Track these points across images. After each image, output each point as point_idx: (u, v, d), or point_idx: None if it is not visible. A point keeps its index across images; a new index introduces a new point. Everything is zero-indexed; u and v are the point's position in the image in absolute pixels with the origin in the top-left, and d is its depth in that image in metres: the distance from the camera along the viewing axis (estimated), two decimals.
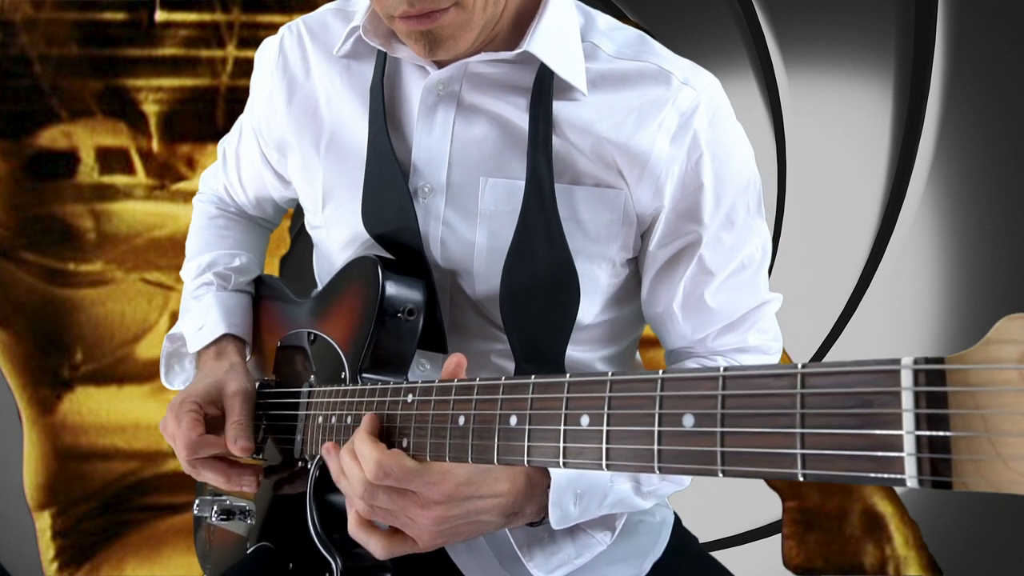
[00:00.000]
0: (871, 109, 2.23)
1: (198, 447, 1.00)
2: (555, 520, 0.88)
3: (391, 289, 0.95)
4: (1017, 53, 2.16)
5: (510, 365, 1.05)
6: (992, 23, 2.18)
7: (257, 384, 1.10)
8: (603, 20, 1.03)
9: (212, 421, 1.03)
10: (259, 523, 1.08)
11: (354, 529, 0.84)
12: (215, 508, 1.10)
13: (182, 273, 1.25)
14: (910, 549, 2.21)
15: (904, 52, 2.21)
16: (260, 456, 1.09)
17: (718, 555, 1.15)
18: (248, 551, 1.08)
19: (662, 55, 0.99)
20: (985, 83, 2.18)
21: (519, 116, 0.97)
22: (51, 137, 2.29)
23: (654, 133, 0.95)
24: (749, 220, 1.01)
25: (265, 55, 1.13)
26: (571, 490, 0.87)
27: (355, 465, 0.81)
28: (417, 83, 1.01)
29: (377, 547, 0.83)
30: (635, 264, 1.05)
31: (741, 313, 1.04)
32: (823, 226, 2.25)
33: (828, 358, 2.23)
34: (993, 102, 2.17)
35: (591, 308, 1.03)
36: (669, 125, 0.95)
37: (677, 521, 1.15)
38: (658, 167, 0.95)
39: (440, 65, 0.99)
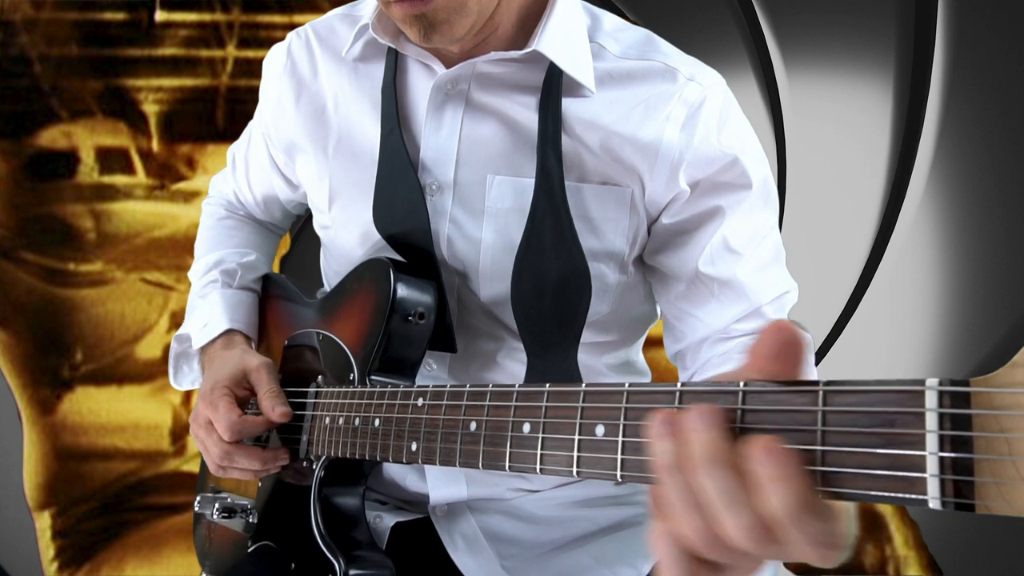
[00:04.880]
0: (871, 109, 2.23)
1: (240, 428, 0.99)
2: None
3: (403, 292, 0.96)
4: (1017, 53, 2.16)
5: (516, 365, 1.06)
6: (992, 23, 2.18)
7: None
8: (609, 21, 1.03)
9: (242, 403, 1.03)
10: (261, 522, 1.08)
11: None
12: (216, 505, 1.09)
13: (190, 274, 1.25)
14: (910, 549, 2.21)
15: (904, 52, 2.21)
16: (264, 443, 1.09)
17: None
18: (249, 550, 1.08)
19: (667, 53, 1.00)
20: (985, 83, 2.18)
21: (527, 115, 0.98)
22: (51, 137, 2.28)
23: (662, 124, 0.96)
24: (765, 213, 1.02)
25: (273, 60, 1.14)
26: None
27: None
28: (425, 83, 1.02)
29: None
30: (639, 265, 1.05)
31: (775, 295, 1.02)
32: (823, 226, 2.25)
33: (828, 358, 2.24)
34: (993, 102, 2.17)
35: (598, 308, 1.03)
36: (677, 116, 0.96)
37: None
38: (670, 153, 0.96)
39: (448, 65, 0.99)
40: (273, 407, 1.00)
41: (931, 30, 2.19)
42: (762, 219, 1.01)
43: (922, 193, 2.21)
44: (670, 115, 0.96)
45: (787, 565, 2.24)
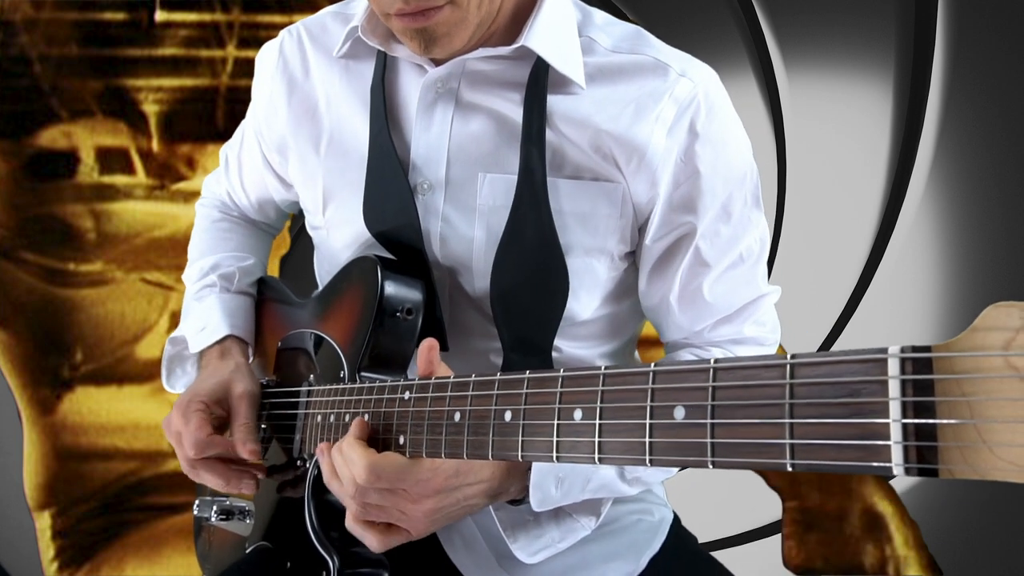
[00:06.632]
0: (871, 109, 2.22)
1: (206, 447, 0.99)
2: (536, 502, 0.89)
3: (390, 289, 0.96)
4: (1017, 53, 2.15)
5: None
6: (992, 23, 2.17)
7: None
8: (600, 16, 1.03)
9: (217, 421, 1.03)
10: (258, 523, 1.08)
11: (351, 524, 0.86)
12: (215, 509, 1.10)
13: (184, 276, 1.24)
14: (910, 549, 2.20)
15: (904, 52, 2.21)
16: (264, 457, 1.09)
17: (718, 555, 1.15)
18: (247, 551, 1.08)
19: (658, 48, 1.00)
20: (985, 83, 2.17)
21: (515, 111, 0.97)
22: (51, 137, 2.29)
23: (652, 125, 0.95)
24: (747, 212, 1.01)
25: (265, 58, 1.14)
26: (552, 473, 0.89)
27: (345, 467, 0.83)
28: (415, 81, 1.02)
29: (373, 541, 0.85)
30: (633, 258, 1.05)
31: (738, 306, 1.04)
32: (823, 226, 2.25)
33: None
34: (993, 102, 2.17)
35: (591, 303, 1.03)
36: (666, 117, 0.95)
37: (676, 520, 1.15)
38: (654, 159, 0.95)
39: (437, 63, 0.99)
40: (244, 442, 1.00)
41: (931, 30, 2.19)
42: (742, 222, 1.01)
43: (922, 193, 2.20)
44: (660, 115, 0.95)
45: (786, 564, 2.23)
